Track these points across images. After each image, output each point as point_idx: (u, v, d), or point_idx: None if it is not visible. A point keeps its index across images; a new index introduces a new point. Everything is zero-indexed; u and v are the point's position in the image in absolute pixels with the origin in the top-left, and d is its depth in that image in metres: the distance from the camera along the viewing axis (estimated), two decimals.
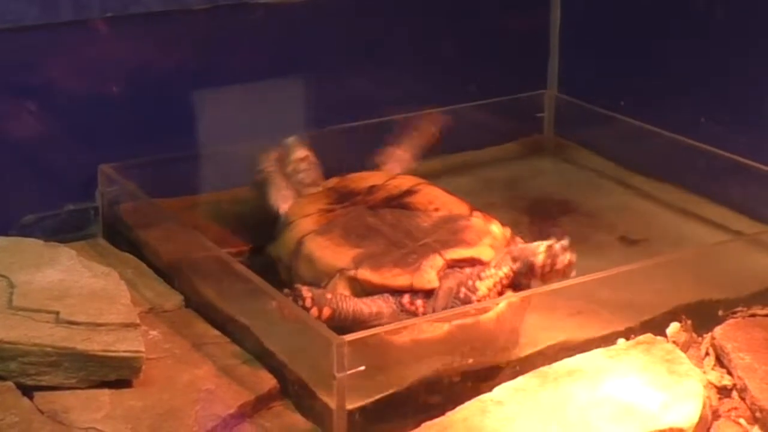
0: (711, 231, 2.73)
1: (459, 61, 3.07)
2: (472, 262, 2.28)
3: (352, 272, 2.27)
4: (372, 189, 2.53)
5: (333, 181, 2.60)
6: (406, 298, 2.23)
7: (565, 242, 2.26)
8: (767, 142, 2.75)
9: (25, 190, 2.64)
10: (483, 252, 2.31)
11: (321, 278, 2.29)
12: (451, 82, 3.06)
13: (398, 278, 2.25)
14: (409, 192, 2.51)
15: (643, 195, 2.91)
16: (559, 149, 3.14)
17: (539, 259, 2.24)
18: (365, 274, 2.26)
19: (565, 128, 3.15)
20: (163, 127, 2.75)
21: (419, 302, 2.23)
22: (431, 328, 2.15)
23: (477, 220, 2.41)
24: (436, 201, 2.49)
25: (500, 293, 2.22)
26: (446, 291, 2.23)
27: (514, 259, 2.25)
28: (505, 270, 2.22)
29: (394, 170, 2.67)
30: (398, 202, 2.48)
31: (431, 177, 2.71)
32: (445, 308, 2.20)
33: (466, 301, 2.19)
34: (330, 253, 2.32)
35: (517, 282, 2.25)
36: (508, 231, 2.42)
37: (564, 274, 2.25)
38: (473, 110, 3.06)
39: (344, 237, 2.35)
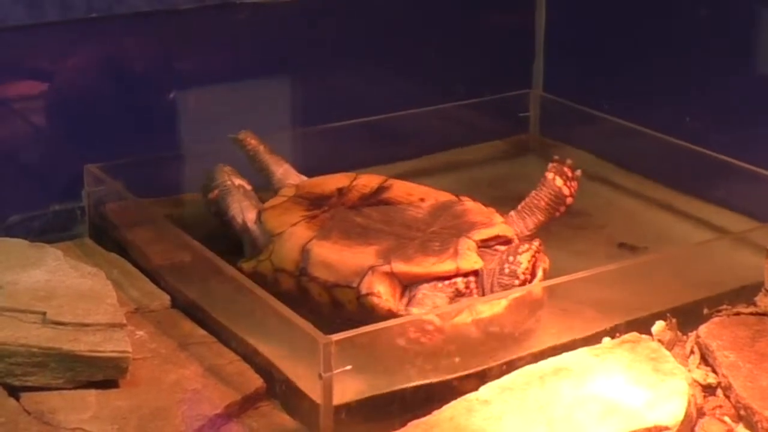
0: (696, 229, 2.74)
1: (444, 60, 3.07)
2: (499, 239, 2.32)
3: (385, 267, 2.24)
4: (341, 191, 2.48)
5: (291, 190, 2.51)
6: (460, 283, 2.23)
7: (567, 161, 2.49)
8: (750, 140, 2.76)
9: (11, 191, 2.64)
10: (505, 229, 2.36)
11: (349, 279, 2.24)
12: (436, 82, 3.07)
13: (442, 265, 2.24)
14: (382, 189, 2.48)
15: (629, 193, 2.91)
16: (544, 148, 3.14)
17: (558, 182, 2.44)
18: (401, 266, 2.24)
19: (550, 128, 3.16)
20: (149, 127, 2.75)
21: (473, 285, 2.25)
22: (490, 306, 2.17)
23: (470, 202, 2.45)
24: (416, 192, 2.48)
25: (535, 265, 2.26)
26: (489, 272, 2.26)
27: (531, 210, 2.41)
28: (536, 244, 2.27)
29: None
30: (375, 199, 2.45)
31: (417, 176, 2.72)
32: (491, 288, 2.23)
33: (513, 276, 2.22)
34: (349, 254, 2.27)
35: (553, 216, 2.44)
36: (492, 209, 2.45)
37: (578, 180, 2.49)
38: (459, 109, 3.07)
39: (347, 238, 2.32)
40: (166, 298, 2.40)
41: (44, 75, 2.66)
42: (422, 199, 2.44)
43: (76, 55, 2.67)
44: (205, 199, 2.56)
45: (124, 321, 2.16)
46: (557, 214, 2.46)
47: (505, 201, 2.65)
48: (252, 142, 2.64)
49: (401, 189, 2.48)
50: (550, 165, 2.49)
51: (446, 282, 2.23)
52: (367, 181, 2.52)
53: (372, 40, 2.98)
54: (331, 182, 2.52)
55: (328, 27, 2.91)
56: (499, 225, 2.37)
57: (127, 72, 2.73)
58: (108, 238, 2.62)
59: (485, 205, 2.46)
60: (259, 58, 2.86)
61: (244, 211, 2.48)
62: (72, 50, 2.66)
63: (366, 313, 2.21)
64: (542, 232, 2.47)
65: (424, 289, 2.23)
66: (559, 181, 2.46)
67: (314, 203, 2.45)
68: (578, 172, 2.49)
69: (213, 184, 2.54)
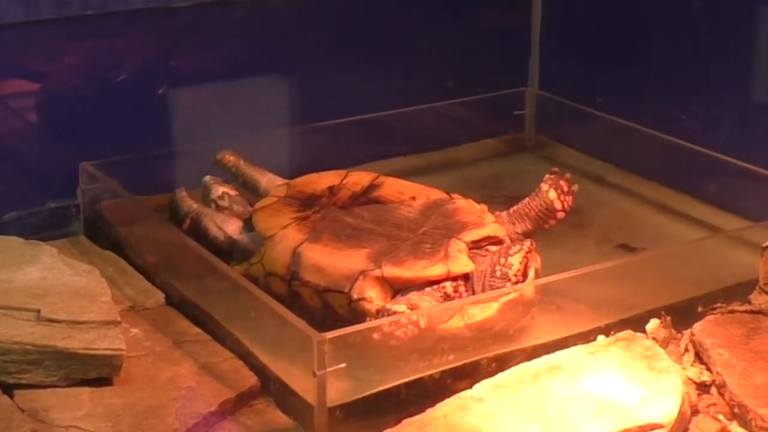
0: (691, 227, 2.74)
1: (440, 58, 3.07)
2: (490, 240, 2.31)
3: (376, 272, 2.22)
4: (331, 190, 2.46)
5: (283, 190, 2.49)
6: (449, 287, 2.22)
7: (566, 174, 2.46)
8: (746, 138, 2.77)
9: (6, 188, 2.64)
10: (496, 229, 2.34)
11: (340, 284, 2.23)
12: (431, 80, 3.07)
13: (433, 268, 2.22)
14: (373, 186, 2.46)
15: (624, 191, 2.92)
16: (539, 146, 3.14)
17: (552, 195, 2.40)
18: (392, 271, 2.22)
19: (545, 125, 3.16)
20: (145, 125, 2.75)
21: (462, 288, 2.23)
22: (481, 310, 2.16)
23: (462, 200, 2.43)
24: (408, 190, 2.45)
25: (527, 266, 2.24)
26: (480, 274, 2.24)
27: (521, 216, 2.40)
28: (527, 244, 2.25)
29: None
30: (366, 198, 2.43)
31: (412, 174, 2.72)
32: (483, 291, 2.21)
33: (504, 278, 2.21)
34: (339, 257, 2.25)
35: (542, 227, 2.41)
36: (484, 207, 2.44)
37: (574, 195, 2.45)
38: (453, 107, 3.07)
39: (338, 240, 2.29)
40: (161, 296, 2.40)
41: (40, 72, 2.66)
42: (413, 198, 2.42)
43: (71, 53, 2.67)
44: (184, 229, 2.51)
45: (119, 319, 2.16)
46: (547, 226, 2.43)
47: (500, 200, 2.66)
48: (231, 159, 2.62)
49: (392, 187, 2.47)
50: (547, 176, 2.45)
51: (435, 286, 2.22)
52: (358, 178, 2.49)
53: (367, 37, 2.98)
54: (322, 180, 2.50)
55: (323, 25, 2.91)
56: (490, 225, 2.35)
57: (123, 70, 2.73)
58: (103, 236, 2.62)
59: (478, 202, 2.46)
60: (254, 56, 2.86)
61: (222, 226, 2.46)
62: (67, 48, 2.66)
63: (358, 317, 2.20)
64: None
65: (411, 294, 2.21)
66: (552, 194, 2.42)
67: (305, 203, 2.43)
68: (575, 187, 2.45)
69: (181, 215, 2.52)
